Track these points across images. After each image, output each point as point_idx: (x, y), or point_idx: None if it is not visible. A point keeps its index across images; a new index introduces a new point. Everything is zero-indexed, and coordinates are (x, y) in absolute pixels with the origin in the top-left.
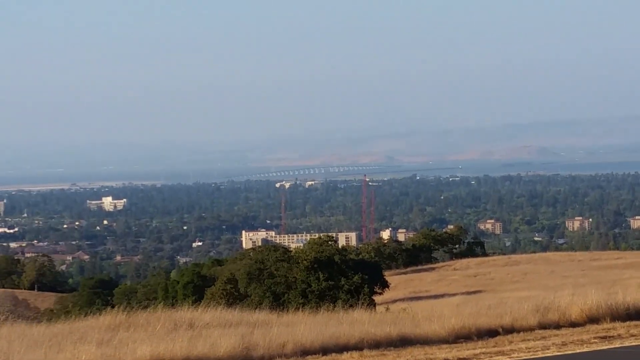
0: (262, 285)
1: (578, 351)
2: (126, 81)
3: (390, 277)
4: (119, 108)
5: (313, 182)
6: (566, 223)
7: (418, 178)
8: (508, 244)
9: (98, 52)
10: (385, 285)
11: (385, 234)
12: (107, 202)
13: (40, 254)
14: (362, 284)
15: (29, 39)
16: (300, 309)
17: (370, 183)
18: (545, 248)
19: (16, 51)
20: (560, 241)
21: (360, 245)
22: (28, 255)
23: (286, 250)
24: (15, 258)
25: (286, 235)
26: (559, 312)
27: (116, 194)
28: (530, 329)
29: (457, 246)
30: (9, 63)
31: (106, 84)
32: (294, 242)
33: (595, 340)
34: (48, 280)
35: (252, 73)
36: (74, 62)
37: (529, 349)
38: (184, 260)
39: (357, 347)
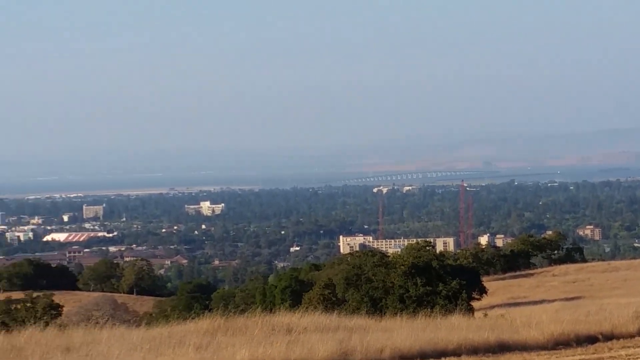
0: (359, 291)
1: None
2: (223, 87)
3: (488, 282)
4: (217, 114)
5: (410, 187)
6: None
7: (516, 183)
8: (607, 250)
9: (194, 59)
10: (483, 291)
11: (483, 240)
12: (205, 206)
13: (139, 258)
14: (460, 289)
15: (139, 49)
16: (398, 315)
17: (467, 188)
18: None
19: (116, 57)
20: None
21: (458, 251)
22: (127, 259)
23: (384, 255)
24: (115, 262)
25: (383, 241)
26: None
27: (214, 198)
28: (631, 336)
29: (555, 252)
30: (118, 70)
31: (204, 90)
32: (391, 247)
33: None
34: (147, 284)
35: (348, 79)
36: (173, 68)
37: (629, 355)
38: (282, 264)
39: (455, 352)
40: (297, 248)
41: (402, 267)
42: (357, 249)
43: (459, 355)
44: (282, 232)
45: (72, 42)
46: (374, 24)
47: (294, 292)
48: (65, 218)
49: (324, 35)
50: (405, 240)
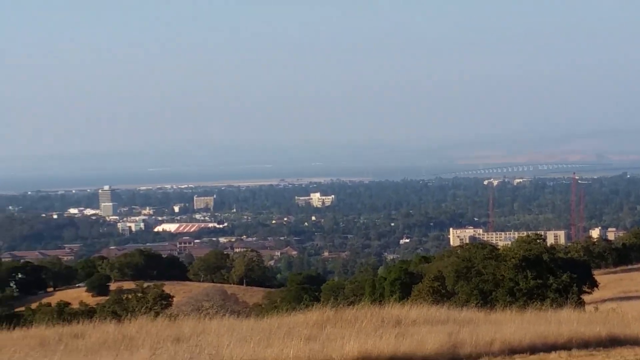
0: (469, 283)
1: None
2: (335, 80)
3: (600, 276)
4: (328, 106)
5: (521, 180)
6: None
7: (629, 176)
8: None
9: (310, 52)
10: (594, 284)
11: (595, 233)
12: (315, 198)
13: (249, 249)
14: (570, 283)
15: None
16: (508, 308)
17: (579, 181)
18: None
19: (229, 49)
20: None
21: (569, 244)
22: (237, 250)
23: (494, 248)
24: (225, 253)
25: (494, 233)
26: None
27: (324, 190)
28: None
29: None
30: (232, 62)
31: (318, 83)
32: (501, 240)
33: None
34: (256, 275)
35: (456, 71)
36: (284, 61)
37: None
38: (391, 256)
39: (566, 346)
40: (407, 240)
41: (513, 260)
42: (467, 241)
43: (569, 349)
44: (392, 224)
45: (185, 34)
46: (475, 19)
47: (404, 284)
48: (176, 209)
49: (439, 28)
50: (516, 233)
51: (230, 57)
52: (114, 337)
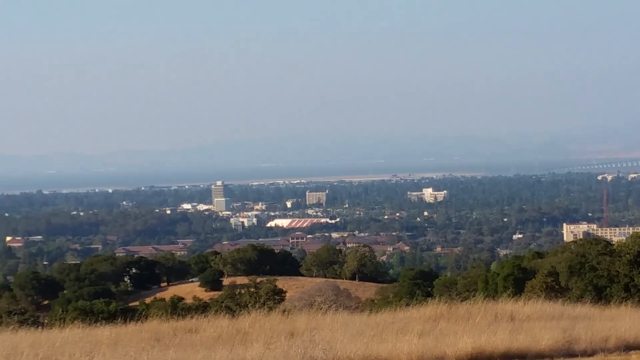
0: (583, 279)
1: None
2: (446, 74)
3: None
4: (438, 101)
5: (636, 175)
6: None
7: None
8: None
9: (426, 47)
10: None
11: None
12: (428, 193)
13: (362, 245)
14: None
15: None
16: (623, 304)
17: None
18: None
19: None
20: None
21: None
22: (349, 245)
23: (608, 243)
24: (337, 248)
25: (608, 229)
26: None
27: (436, 185)
28: None
29: None
30: (334, 60)
31: (431, 77)
32: (615, 235)
33: None
34: (369, 270)
35: (572, 62)
36: (387, 58)
37: None
38: (504, 252)
39: None
40: (520, 235)
41: (627, 255)
42: (581, 237)
43: None
44: (505, 220)
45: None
46: (604, 8)
47: (517, 280)
48: (289, 204)
49: (548, 20)
50: (630, 228)
51: (347, 51)
52: (228, 332)
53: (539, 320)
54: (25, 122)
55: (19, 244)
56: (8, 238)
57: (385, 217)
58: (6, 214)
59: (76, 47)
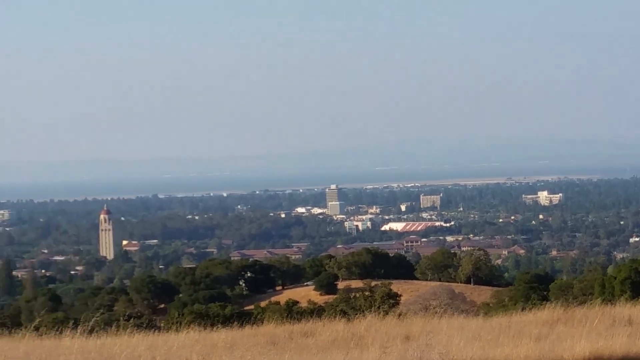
0: None
1: None
2: (556, 75)
3: None
4: (554, 103)
5: None
6: None
7: None
8: None
9: (533, 46)
10: None
11: None
12: (543, 196)
13: (476, 248)
14: None
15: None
16: None
17: None
18: None
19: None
20: None
21: None
22: (464, 248)
23: None
24: (452, 252)
25: None
26: None
27: (551, 188)
28: None
29: None
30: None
31: (539, 78)
32: None
33: None
34: (484, 274)
35: None
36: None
37: None
38: (621, 255)
39: None
40: (637, 239)
41: None
42: None
43: None
44: (621, 223)
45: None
46: None
47: (634, 284)
48: (403, 208)
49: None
50: None
51: (459, 54)
52: (344, 336)
53: None
54: (142, 127)
55: (135, 248)
56: (124, 242)
57: (500, 220)
58: (122, 218)
59: (198, 54)
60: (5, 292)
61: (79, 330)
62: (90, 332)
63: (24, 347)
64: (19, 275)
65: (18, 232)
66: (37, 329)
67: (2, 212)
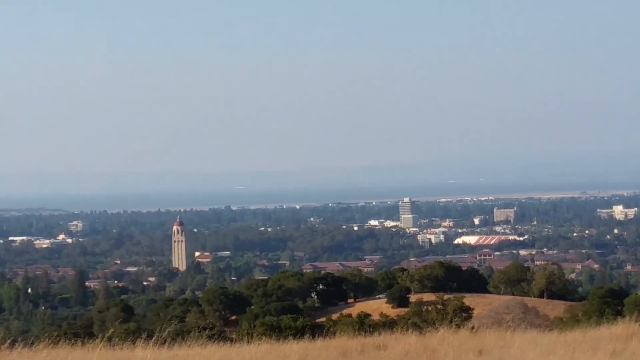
0: None
1: None
2: (633, 88)
3: None
4: (629, 117)
5: None
6: None
7: None
8: None
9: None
10: None
11: None
12: (618, 210)
13: (550, 262)
14: None
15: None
16: None
17: None
18: None
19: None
20: None
21: None
22: (537, 262)
23: None
24: (525, 265)
25: None
26: None
27: (627, 202)
28: None
29: None
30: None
31: (616, 93)
32: None
33: None
34: (557, 288)
35: None
36: (572, 74)
37: None
38: None
39: None
40: None
41: None
42: None
43: None
44: None
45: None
46: None
47: None
48: (476, 221)
49: None
50: None
51: (531, 68)
52: (416, 349)
53: None
54: (216, 139)
55: (208, 260)
56: (197, 253)
57: (575, 234)
58: (195, 230)
59: (278, 64)
60: (78, 303)
61: (152, 341)
62: (163, 343)
63: (96, 357)
64: (92, 286)
65: (91, 243)
66: (109, 339)
67: (75, 222)
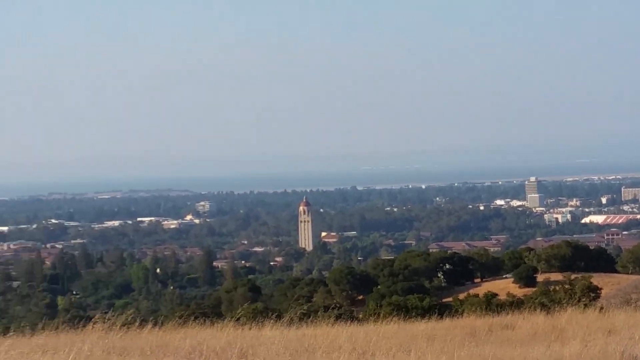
0: None
1: None
2: None
3: None
4: None
5: None
6: None
7: None
8: None
9: None
10: None
11: None
12: None
13: None
14: None
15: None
16: None
17: None
18: None
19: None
20: None
21: None
22: None
23: None
24: None
25: None
26: None
27: None
28: None
29: None
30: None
31: None
32: None
33: None
34: None
35: None
36: None
37: None
38: None
39: None
40: None
41: None
42: None
43: None
44: None
45: None
46: None
47: None
48: (603, 200)
49: None
50: None
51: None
52: (544, 329)
53: None
54: (343, 121)
55: (334, 240)
56: (323, 234)
57: None
58: (321, 210)
59: (401, 49)
60: (206, 283)
61: (281, 322)
62: (290, 322)
63: (225, 337)
64: (219, 266)
65: (218, 223)
66: (237, 319)
67: (203, 203)
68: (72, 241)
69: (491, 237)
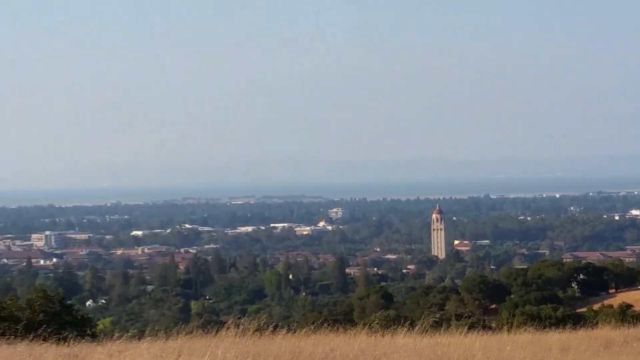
0: None
1: None
2: None
3: None
4: None
5: None
6: None
7: None
8: None
9: None
10: None
11: None
12: None
13: None
14: None
15: None
16: None
17: None
18: None
19: None
20: None
21: None
22: None
23: None
24: None
25: None
26: None
27: None
28: None
29: None
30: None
31: None
32: None
33: None
34: None
35: None
36: None
37: None
38: None
39: None
40: None
41: None
42: None
43: None
44: None
45: None
46: None
47: None
48: None
49: None
50: None
51: None
52: None
53: None
54: (478, 127)
55: (467, 248)
56: (456, 242)
57: None
58: (454, 218)
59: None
60: (338, 289)
61: (414, 330)
62: (422, 330)
63: (358, 344)
64: (352, 273)
65: (351, 230)
66: (370, 326)
67: (335, 210)
68: (206, 246)
69: (626, 247)
